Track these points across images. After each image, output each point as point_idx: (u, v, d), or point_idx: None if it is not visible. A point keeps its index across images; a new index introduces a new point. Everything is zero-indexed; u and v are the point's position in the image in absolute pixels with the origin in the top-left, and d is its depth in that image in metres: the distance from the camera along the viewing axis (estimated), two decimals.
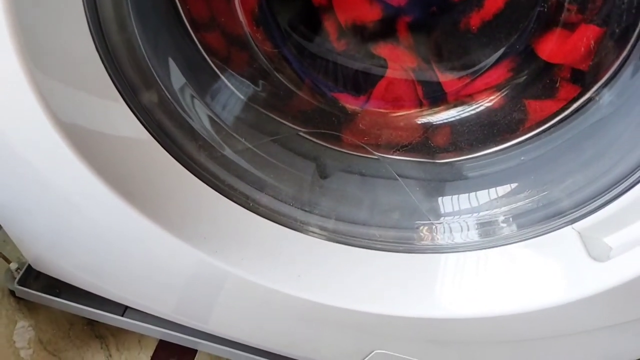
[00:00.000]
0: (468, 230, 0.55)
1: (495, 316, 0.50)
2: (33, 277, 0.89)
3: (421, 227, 0.57)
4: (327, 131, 0.61)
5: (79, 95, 0.46)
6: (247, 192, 0.58)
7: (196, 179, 0.56)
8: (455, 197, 0.58)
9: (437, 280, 0.53)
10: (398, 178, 0.58)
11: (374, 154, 0.61)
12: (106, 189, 0.49)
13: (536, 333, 0.54)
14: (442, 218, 0.57)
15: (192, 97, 0.56)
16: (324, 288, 0.58)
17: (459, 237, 0.55)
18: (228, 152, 0.56)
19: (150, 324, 0.86)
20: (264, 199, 0.59)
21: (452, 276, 0.52)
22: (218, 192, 0.56)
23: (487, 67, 0.59)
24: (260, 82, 0.62)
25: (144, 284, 0.75)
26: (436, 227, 0.56)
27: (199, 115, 0.57)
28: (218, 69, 0.60)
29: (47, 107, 0.44)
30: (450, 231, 0.56)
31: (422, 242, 0.56)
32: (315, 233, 0.59)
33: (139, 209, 0.52)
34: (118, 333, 0.98)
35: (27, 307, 0.97)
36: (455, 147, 0.61)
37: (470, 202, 0.57)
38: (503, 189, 0.57)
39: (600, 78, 0.55)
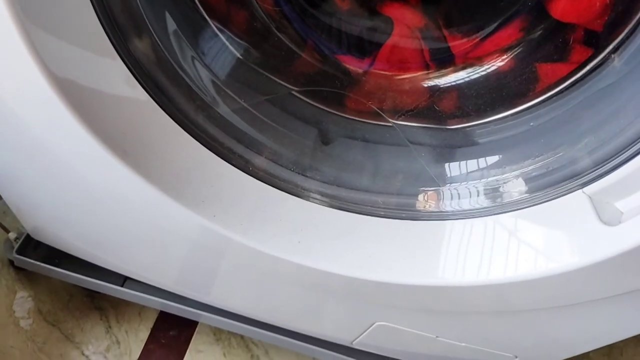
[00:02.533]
0: (478, 195, 0.53)
1: (502, 283, 0.48)
2: (32, 246, 0.89)
3: (426, 193, 0.55)
4: (324, 88, 0.59)
5: (73, 50, 0.45)
6: (247, 155, 0.56)
7: (194, 140, 0.54)
8: (463, 162, 0.57)
9: (442, 247, 0.52)
10: (409, 144, 0.56)
11: (382, 120, 0.59)
12: (101, 148, 0.47)
13: (544, 302, 0.52)
14: (448, 183, 0.55)
15: (191, 56, 0.54)
16: (325, 255, 0.57)
17: (467, 203, 0.53)
18: (226, 111, 0.54)
19: (150, 295, 0.85)
20: (264, 163, 0.57)
21: (458, 243, 0.51)
22: (217, 154, 0.55)
23: (497, 27, 0.57)
24: (261, 42, 0.60)
25: (142, 252, 0.74)
26: (442, 193, 0.55)
27: (197, 73, 0.55)
28: (216, 27, 0.58)
29: (40, 59, 0.42)
30: (458, 197, 0.54)
31: (427, 209, 0.54)
32: (317, 199, 0.58)
33: (135, 169, 0.51)
34: (118, 305, 0.97)
35: (27, 277, 0.96)
36: (463, 112, 0.59)
37: (479, 167, 0.55)
38: (513, 154, 0.55)
39: (614, 39, 0.52)
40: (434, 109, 0.60)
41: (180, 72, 0.52)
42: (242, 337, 0.97)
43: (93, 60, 0.46)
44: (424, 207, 0.55)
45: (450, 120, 0.60)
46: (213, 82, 0.56)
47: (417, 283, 0.53)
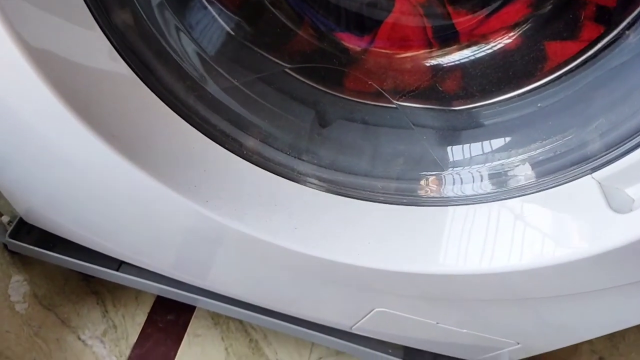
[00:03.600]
0: (481, 180, 0.50)
1: (506, 272, 0.46)
2: (26, 230, 0.87)
3: (428, 178, 0.53)
4: (320, 65, 0.56)
5: (49, 18, 0.42)
6: (240, 138, 0.54)
7: (185, 122, 0.52)
8: (467, 145, 0.54)
9: (444, 233, 0.50)
10: (413, 127, 0.54)
11: (383, 101, 0.56)
12: (84, 128, 0.45)
13: (549, 291, 0.51)
14: (451, 168, 0.53)
15: (177, 28, 0.51)
16: (322, 241, 0.55)
17: (470, 189, 0.51)
18: (216, 90, 0.52)
19: (146, 279, 0.84)
20: (258, 146, 0.55)
21: (460, 229, 0.49)
22: (209, 137, 0.53)
23: (503, 3, 0.54)
24: (253, 17, 0.57)
25: (136, 236, 0.72)
26: (444, 178, 0.52)
27: (184, 48, 0.53)
28: (214, 9, 0.55)
29: (11, 27, 0.40)
30: (461, 182, 0.52)
31: (429, 194, 0.52)
32: (314, 184, 0.55)
33: (122, 153, 0.49)
34: (114, 289, 0.96)
35: (22, 261, 0.95)
36: (467, 93, 0.57)
37: (483, 151, 0.53)
38: (519, 136, 0.52)
39: (629, 15, 0.49)
40: (437, 89, 0.57)
41: (167, 47, 0.50)
42: (240, 321, 0.96)
43: (71, 31, 0.43)
44: (426, 192, 0.53)
45: (454, 101, 0.57)
46: (202, 58, 0.53)
47: (417, 271, 0.51)
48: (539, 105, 0.55)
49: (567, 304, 0.56)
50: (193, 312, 0.97)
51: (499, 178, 0.51)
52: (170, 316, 0.96)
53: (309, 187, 0.56)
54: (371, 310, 0.71)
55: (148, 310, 0.96)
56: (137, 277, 0.85)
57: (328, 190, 0.55)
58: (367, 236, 0.54)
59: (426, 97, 0.57)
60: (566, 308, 0.57)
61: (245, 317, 0.85)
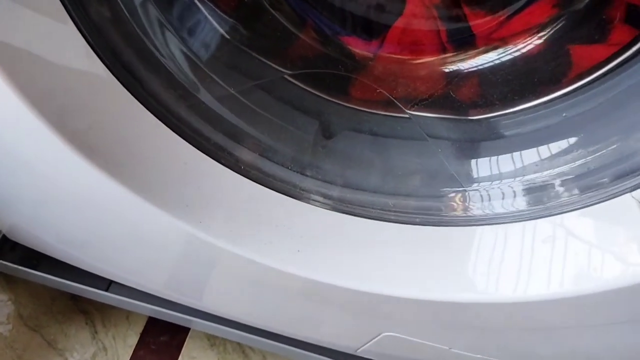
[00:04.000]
0: (514, 197, 0.45)
1: (545, 300, 0.41)
2: (9, 248, 0.82)
3: (448, 195, 0.48)
4: (322, 70, 0.52)
5: (14, 7, 0.36)
6: (237, 152, 0.49)
7: (174, 134, 0.47)
8: (493, 158, 0.49)
9: (469, 256, 0.44)
10: (428, 138, 0.49)
11: (393, 111, 0.52)
12: (58, 139, 0.40)
13: (585, 320, 0.45)
14: (475, 183, 0.48)
15: (163, 26, 0.46)
16: (328, 265, 0.50)
17: (500, 206, 0.46)
18: (210, 100, 0.47)
19: (138, 300, 0.79)
20: (257, 160, 0.50)
21: (489, 251, 0.44)
22: (202, 151, 0.48)
23: (526, 3, 0.49)
24: (251, 19, 0.53)
25: (125, 256, 0.67)
26: (467, 195, 0.47)
27: (174, 54, 0.48)
28: (206, 8, 0.50)
29: None
30: (489, 199, 0.46)
31: (450, 213, 0.47)
32: (318, 201, 0.51)
33: (105, 170, 0.44)
34: (104, 308, 0.91)
35: (6, 280, 0.90)
36: (486, 101, 0.52)
37: (514, 164, 0.48)
38: (545, 149, 0.47)
39: None
40: (452, 97, 0.53)
41: (153, 49, 0.45)
42: (238, 342, 0.91)
43: (40, 23, 0.38)
44: (446, 210, 0.48)
45: (470, 110, 0.52)
46: (193, 63, 0.48)
47: (438, 299, 0.46)
48: (564, 114, 0.50)
49: (597, 332, 0.51)
50: (188, 332, 0.92)
51: (525, 196, 0.46)
52: (163, 337, 0.90)
53: (313, 205, 0.51)
54: (379, 334, 0.66)
55: (140, 330, 0.91)
56: (128, 297, 0.80)
57: (334, 209, 0.51)
58: (378, 259, 0.49)
59: (440, 106, 0.53)
60: (595, 336, 0.52)
61: (242, 340, 0.80)
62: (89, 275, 0.78)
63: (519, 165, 0.48)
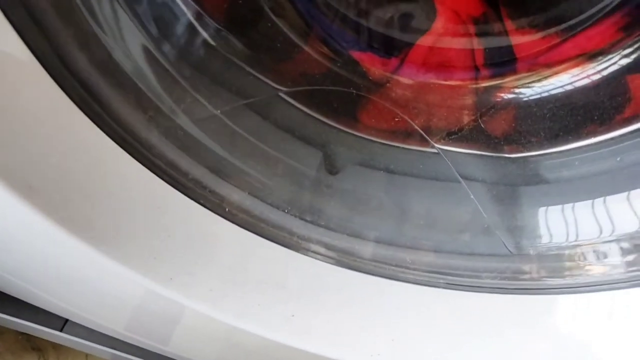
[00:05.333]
0: (606, 257, 0.36)
1: None
2: None
3: (484, 253, 0.39)
4: (322, 87, 0.42)
5: None
6: (222, 190, 0.40)
7: (144, 168, 0.37)
8: (529, 209, 0.40)
9: (522, 335, 0.35)
10: (461, 179, 0.40)
11: (413, 143, 0.43)
12: None
13: None
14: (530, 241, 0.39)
15: (116, 11, 0.35)
16: (328, 335, 0.41)
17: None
18: (188, 123, 0.37)
19: (97, 343, 0.69)
20: (246, 201, 0.40)
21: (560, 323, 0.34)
22: (176, 188, 0.38)
23: (587, 23, 0.41)
24: (247, 26, 0.43)
25: (80, 296, 0.56)
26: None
27: (142, 65, 0.37)
28: (184, 4, 0.40)
29: None
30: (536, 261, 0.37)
31: (492, 274, 0.38)
32: (319, 253, 0.42)
33: (47, 213, 0.33)
34: (60, 345, 0.79)
35: None
36: (522, 137, 0.43)
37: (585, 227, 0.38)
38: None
39: None
40: (483, 130, 0.44)
41: (113, 51, 0.34)
42: None
43: None
44: (481, 272, 0.39)
45: (506, 146, 0.43)
46: (168, 75, 0.38)
47: None
48: (618, 159, 0.41)
49: None
50: None
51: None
52: None
53: (313, 257, 0.41)
54: None
55: None
56: (86, 339, 0.70)
57: (338, 263, 0.41)
58: (391, 330, 0.40)
59: (470, 139, 0.43)
60: None
61: None
62: (41, 311, 0.67)
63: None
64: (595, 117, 0.42)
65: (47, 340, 0.79)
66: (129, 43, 0.35)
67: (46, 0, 0.29)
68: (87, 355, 0.81)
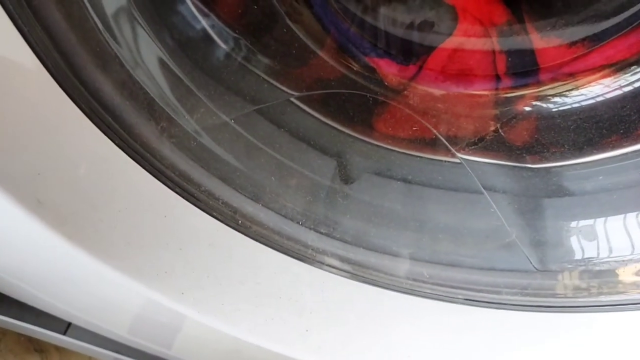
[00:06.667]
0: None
1: None
2: None
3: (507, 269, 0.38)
4: (335, 90, 0.41)
5: None
6: (234, 202, 0.38)
7: (155, 180, 0.35)
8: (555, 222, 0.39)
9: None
10: (484, 190, 0.39)
11: (431, 152, 0.41)
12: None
13: None
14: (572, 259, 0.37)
15: (133, 21, 0.34)
16: (343, 351, 0.39)
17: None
18: (201, 133, 0.36)
19: (99, 347, 0.68)
20: (259, 213, 0.39)
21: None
22: (189, 201, 0.36)
23: (614, 33, 0.39)
24: (262, 32, 0.41)
25: (84, 300, 0.55)
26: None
27: (161, 78, 0.36)
28: (198, 9, 0.38)
29: None
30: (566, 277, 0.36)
31: (512, 291, 0.37)
32: (334, 267, 0.40)
33: (55, 227, 0.32)
34: (63, 347, 0.78)
35: None
36: (544, 148, 0.41)
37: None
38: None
39: None
40: (504, 140, 0.42)
41: (134, 74, 0.33)
42: None
43: None
44: (503, 288, 0.37)
45: (528, 156, 0.42)
46: (179, 81, 0.36)
47: None
48: None
49: None
50: None
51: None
52: None
53: (327, 271, 0.40)
54: None
55: None
56: (89, 343, 0.68)
57: (354, 277, 0.40)
58: (408, 347, 0.39)
59: (491, 149, 0.42)
60: None
61: None
62: (44, 314, 0.66)
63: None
64: (621, 130, 0.40)
65: (50, 342, 0.78)
66: (144, 54, 0.34)
67: (57, 10, 0.28)
68: (90, 358, 0.80)
